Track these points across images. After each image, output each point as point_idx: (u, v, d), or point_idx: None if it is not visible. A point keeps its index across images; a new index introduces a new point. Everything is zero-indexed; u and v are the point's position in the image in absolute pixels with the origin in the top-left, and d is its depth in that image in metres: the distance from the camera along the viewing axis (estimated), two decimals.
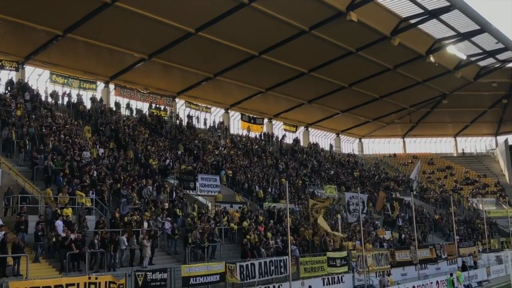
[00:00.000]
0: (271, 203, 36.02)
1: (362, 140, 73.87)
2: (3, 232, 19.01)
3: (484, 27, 43.63)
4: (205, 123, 50.16)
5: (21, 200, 22.29)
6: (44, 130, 29.44)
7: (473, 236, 47.81)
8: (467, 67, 53.92)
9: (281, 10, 36.70)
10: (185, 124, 46.79)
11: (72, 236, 20.48)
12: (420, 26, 43.15)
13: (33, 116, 31.22)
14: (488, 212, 54.81)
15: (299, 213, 35.78)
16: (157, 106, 45.29)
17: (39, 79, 38.98)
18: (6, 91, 34.31)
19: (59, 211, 22.13)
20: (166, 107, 46.48)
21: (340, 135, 69.26)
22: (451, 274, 30.64)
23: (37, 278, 17.82)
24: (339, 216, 36.71)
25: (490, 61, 54.86)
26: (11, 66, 36.03)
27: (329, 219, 36.04)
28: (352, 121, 65.38)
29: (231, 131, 52.87)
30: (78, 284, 17.70)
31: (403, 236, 39.90)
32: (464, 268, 35.89)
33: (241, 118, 54.36)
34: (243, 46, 41.23)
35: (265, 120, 57.40)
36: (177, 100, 48.56)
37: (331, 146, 65.64)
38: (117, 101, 42.59)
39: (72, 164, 26.42)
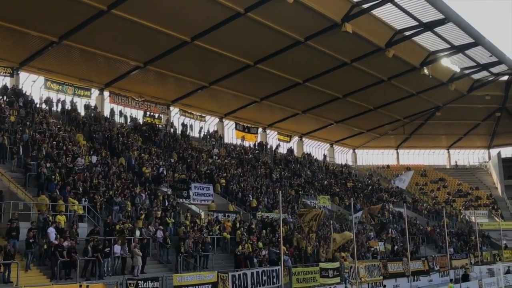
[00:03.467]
0: (265, 213, 35.94)
1: (356, 151, 74.00)
2: None
3: (478, 41, 43.98)
4: (200, 132, 50.12)
5: (13, 207, 22.12)
6: (37, 136, 29.32)
7: (466, 248, 47.87)
8: (461, 80, 54.20)
9: (276, 20, 36.82)
10: (179, 132, 46.73)
11: (65, 244, 20.36)
12: (414, 39, 43.50)
13: (27, 123, 31.07)
14: (480, 225, 54.85)
15: (292, 224, 35.70)
16: (152, 114, 45.22)
17: (34, 85, 38.89)
18: (0, 97, 34.17)
19: (51, 218, 22.00)
20: (161, 115, 46.41)
21: (334, 146, 69.37)
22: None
23: (27, 285, 17.73)
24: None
25: (483, 74, 55.19)
26: (5, 72, 35.95)
27: (323, 229, 36.09)
28: (346, 131, 65.51)
29: (225, 140, 52.77)
30: None
31: (395, 247, 39.92)
32: (464, 278, 35.80)
33: (236, 127, 54.35)
34: (239, 55, 41.31)
35: (260, 130, 57.43)
36: (171, 108, 48.52)
37: (324, 156, 65.67)
38: (112, 108, 42.44)
39: (64, 171, 26.30)
